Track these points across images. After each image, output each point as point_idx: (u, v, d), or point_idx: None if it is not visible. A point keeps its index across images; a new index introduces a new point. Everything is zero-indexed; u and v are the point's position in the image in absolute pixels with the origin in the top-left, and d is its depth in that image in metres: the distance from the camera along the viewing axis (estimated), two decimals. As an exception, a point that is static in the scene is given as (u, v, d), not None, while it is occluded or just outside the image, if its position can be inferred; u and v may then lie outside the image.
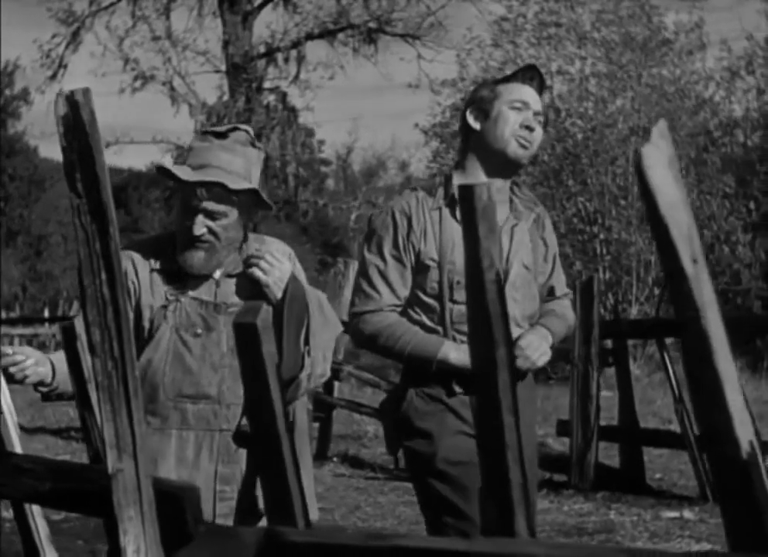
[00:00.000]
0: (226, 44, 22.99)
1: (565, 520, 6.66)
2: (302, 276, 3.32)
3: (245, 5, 23.24)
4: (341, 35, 22.80)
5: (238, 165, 3.14)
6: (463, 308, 3.21)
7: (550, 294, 3.55)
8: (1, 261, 36.59)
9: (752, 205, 14.61)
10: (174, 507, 2.09)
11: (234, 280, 3.21)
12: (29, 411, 12.47)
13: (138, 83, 23.26)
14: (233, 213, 3.13)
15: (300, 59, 22.98)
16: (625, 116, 14.55)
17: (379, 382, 8.82)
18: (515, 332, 3.27)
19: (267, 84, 23.32)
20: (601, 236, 14.39)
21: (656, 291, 14.42)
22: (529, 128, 3.34)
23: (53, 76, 24.16)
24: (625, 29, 15.75)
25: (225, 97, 22.99)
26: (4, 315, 23.95)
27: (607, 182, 14.22)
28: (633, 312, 14.18)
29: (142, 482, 2.04)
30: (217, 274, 3.20)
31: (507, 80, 3.45)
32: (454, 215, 3.29)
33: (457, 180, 3.36)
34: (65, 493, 2.27)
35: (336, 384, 9.55)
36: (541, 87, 3.46)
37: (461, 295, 3.23)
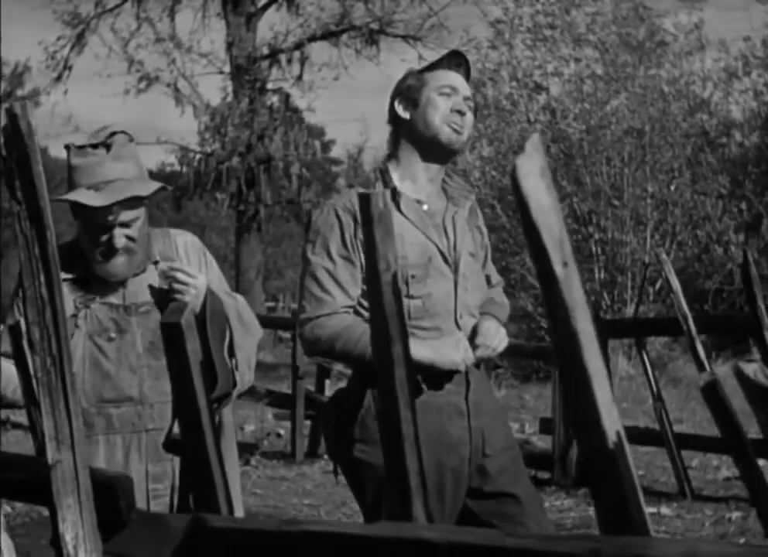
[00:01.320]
0: (230, 45, 23.16)
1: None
2: (214, 265, 3.37)
3: (248, 6, 23.40)
4: (343, 37, 22.97)
5: (134, 168, 3.17)
6: (419, 302, 3.25)
7: (486, 282, 3.54)
8: (4, 262, 36.76)
9: (743, 205, 14.71)
10: (109, 496, 2.21)
11: (140, 279, 3.23)
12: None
13: (142, 85, 23.45)
14: (143, 214, 3.19)
15: (303, 61, 23.17)
16: (618, 117, 14.66)
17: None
18: (470, 322, 3.33)
19: (270, 85, 23.50)
20: (596, 236, 14.51)
21: (651, 290, 14.54)
22: (460, 113, 3.32)
23: (58, 78, 24.36)
24: (621, 30, 15.87)
25: (229, 98, 23.16)
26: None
27: (600, 183, 14.33)
28: (629, 311, 14.28)
29: (79, 472, 2.16)
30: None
31: (433, 67, 3.43)
32: (398, 208, 3.27)
33: (394, 171, 3.36)
34: (11, 483, 2.40)
35: (327, 382, 9.66)
36: (468, 73, 3.43)
37: (416, 289, 3.24)
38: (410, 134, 3.36)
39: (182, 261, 3.29)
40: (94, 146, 3.14)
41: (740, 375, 2.62)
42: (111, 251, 3.14)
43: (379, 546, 1.80)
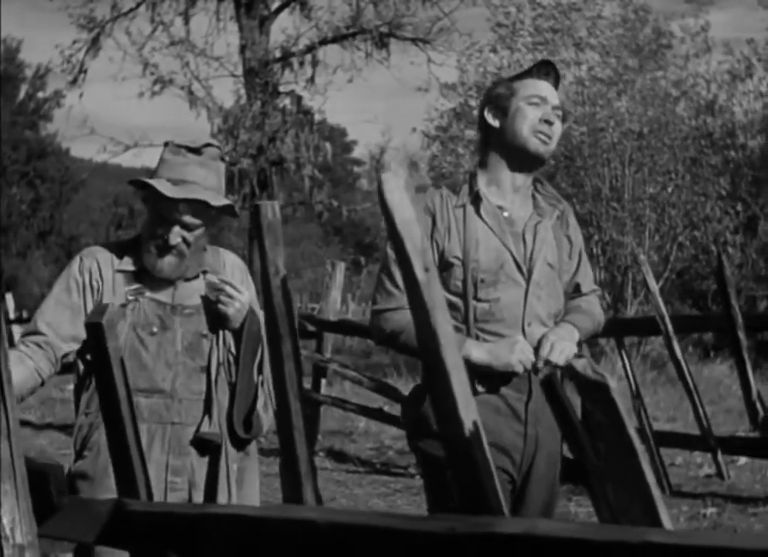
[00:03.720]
0: (243, 49, 23.36)
1: (525, 511, 6.92)
2: (253, 287, 3.50)
3: (261, 10, 23.60)
4: (353, 40, 23.13)
5: (214, 180, 3.33)
6: (486, 306, 3.29)
7: (575, 291, 3.53)
8: (27, 261, 37.10)
9: (739, 207, 14.81)
10: (42, 483, 2.40)
11: (190, 284, 3.38)
12: (40, 409, 12.79)
13: (157, 88, 23.67)
14: (205, 226, 3.33)
15: (315, 63, 23.36)
16: (618, 120, 14.78)
17: (362, 379, 9.11)
18: (540, 331, 3.31)
19: (283, 88, 23.69)
20: (596, 237, 14.64)
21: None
22: (548, 122, 3.34)
23: (74, 81, 24.61)
24: (623, 33, 16.00)
25: (242, 101, 23.36)
26: (26, 314, 24.38)
27: (599, 185, 14.47)
28: (631, 312, 14.41)
29: (15, 460, 2.34)
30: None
31: (522, 76, 3.46)
32: (478, 213, 3.32)
33: (482, 178, 3.39)
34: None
35: (323, 381, 9.84)
36: (557, 81, 3.45)
37: (485, 293, 3.28)
38: (499, 142, 3.39)
39: (227, 277, 3.42)
40: (189, 149, 3.31)
41: (571, 370, 2.78)
42: (164, 246, 3.29)
43: (270, 525, 1.98)
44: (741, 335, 6.78)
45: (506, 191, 3.40)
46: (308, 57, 23.45)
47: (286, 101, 23.70)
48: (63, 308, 3.36)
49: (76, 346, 3.36)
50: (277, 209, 2.03)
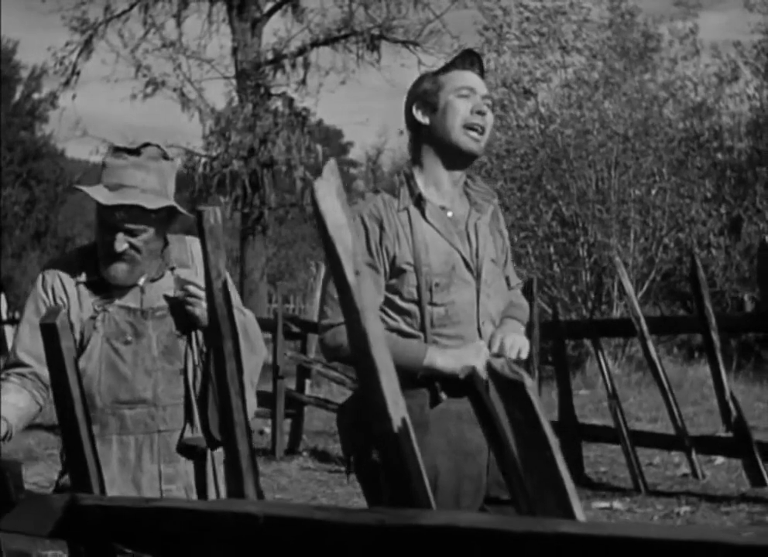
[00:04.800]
0: (235, 51, 23.44)
1: (502, 510, 7.01)
2: (229, 280, 3.55)
3: (253, 12, 23.68)
4: (345, 42, 23.22)
5: (153, 182, 3.23)
6: (442, 310, 3.22)
7: (506, 285, 3.49)
8: (23, 263, 37.10)
9: (723, 209, 14.91)
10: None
11: (158, 284, 3.32)
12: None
13: (149, 90, 23.72)
14: (151, 228, 3.26)
15: (306, 66, 23.43)
16: (603, 123, 14.87)
17: (345, 380, 9.20)
18: (491, 329, 3.29)
19: (274, 90, 23.77)
20: (581, 239, 14.74)
21: (639, 292, 14.76)
22: (480, 113, 3.26)
23: (66, 83, 24.67)
24: (609, 36, 16.11)
25: (234, 103, 23.44)
26: (20, 315, 24.43)
27: (585, 187, 14.57)
28: (617, 313, 14.51)
29: (-26, 457, 2.44)
30: (141, 281, 3.31)
31: (447, 69, 3.36)
32: (423, 215, 3.24)
33: (419, 178, 3.30)
34: None
35: (307, 382, 9.93)
36: (482, 72, 3.37)
37: (440, 297, 3.21)
38: (431, 139, 3.30)
39: (196, 269, 3.36)
40: (128, 151, 3.24)
41: (490, 369, 2.85)
42: (111, 254, 3.24)
43: (212, 518, 2.06)
44: (714, 336, 6.87)
45: (446, 190, 3.32)
46: (300, 59, 23.51)
47: (278, 103, 23.78)
48: (38, 332, 3.28)
49: None
50: (219, 214, 2.11)
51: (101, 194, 3.20)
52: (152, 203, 3.21)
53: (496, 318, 3.34)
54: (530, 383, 1.80)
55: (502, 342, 3.22)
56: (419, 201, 3.25)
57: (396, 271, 3.21)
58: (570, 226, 14.84)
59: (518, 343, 3.24)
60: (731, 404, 6.82)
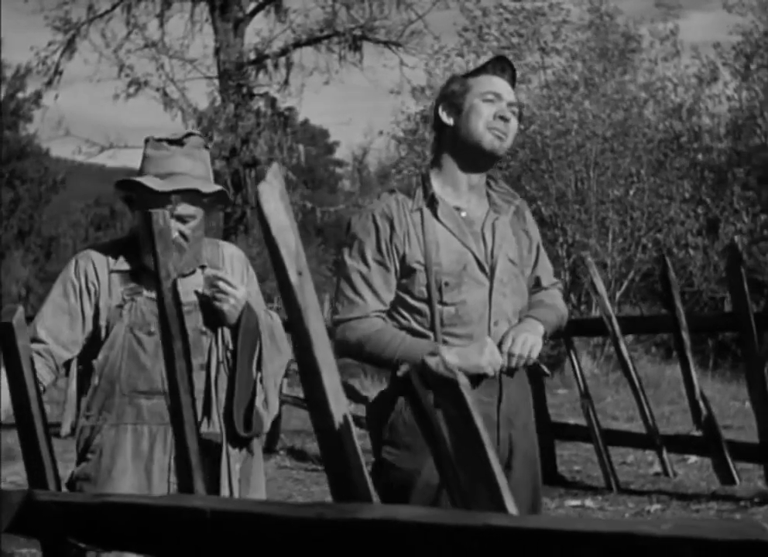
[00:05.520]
0: (217, 51, 23.45)
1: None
2: (254, 280, 3.47)
3: (236, 12, 23.70)
4: (328, 42, 23.26)
5: (201, 169, 3.32)
6: (453, 310, 3.22)
7: (536, 285, 3.49)
8: (6, 262, 37.03)
9: (700, 209, 15.02)
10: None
11: (188, 280, 3.32)
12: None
13: (132, 89, 23.72)
14: (200, 214, 3.33)
15: (289, 66, 23.47)
16: (582, 124, 14.96)
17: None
18: (506, 328, 3.28)
19: (257, 90, 23.79)
20: (560, 239, 14.83)
21: (618, 292, 14.88)
22: (504, 119, 3.27)
23: (49, 83, 24.64)
24: (589, 38, 16.21)
25: (217, 103, 23.44)
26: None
27: (564, 188, 14.66)
28: (597, 312, 14.58)
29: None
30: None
31: (477, 72, 3.39)
32: (435, 215, 3.26)
33: (435, 178, 3.34)
34: None
35: (285, 381, 9.96)
36: (513, 78, 3.38)
37: (450, 296, 3.22)
38: (453, 140, 3.32)
39: (226, 271, 3.40)
40: (170, 142, 3.29)
41: (424, 367, 2.91)
42: None
43: (162, 513, 2.12)
44: (685, 336, 6.94)
45: (462, 191, 3.34)
46: (282, 59, 23.55)
47: (261, 103, 23.80)
48: (62, 313, 3.34)
49: (77, 351, 3.36)
50: (168, 217, 2.17)
51: (153, 182, 3.23)
52: (207, 187, 3.28)
53: (513, 317, 3.33)
54: (464, 381, 1.85)
55: (513, 340, 3.23)
56: (432, 201, 3.27)
57: (406, 270, 3.24)
58: (549, 226, 14.94)
59: (530, 342, 3.24)
60: (701, 404, 6.89)
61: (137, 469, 3.25)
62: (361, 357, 3.28)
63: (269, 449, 9.59)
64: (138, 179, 3.27)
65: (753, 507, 6.53)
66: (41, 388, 3.23)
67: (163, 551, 2.14)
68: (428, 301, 3.21)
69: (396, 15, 22.52)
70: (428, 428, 1.90)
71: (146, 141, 3.33)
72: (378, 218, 3.25)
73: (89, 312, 3.31)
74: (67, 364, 3.41)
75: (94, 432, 3.30)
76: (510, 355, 3.20)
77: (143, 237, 3.27)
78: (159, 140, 3.31)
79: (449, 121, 3.33)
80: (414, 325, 3.22)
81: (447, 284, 3.21)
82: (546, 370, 3.54)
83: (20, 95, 41.98)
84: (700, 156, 16.62)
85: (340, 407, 1.98)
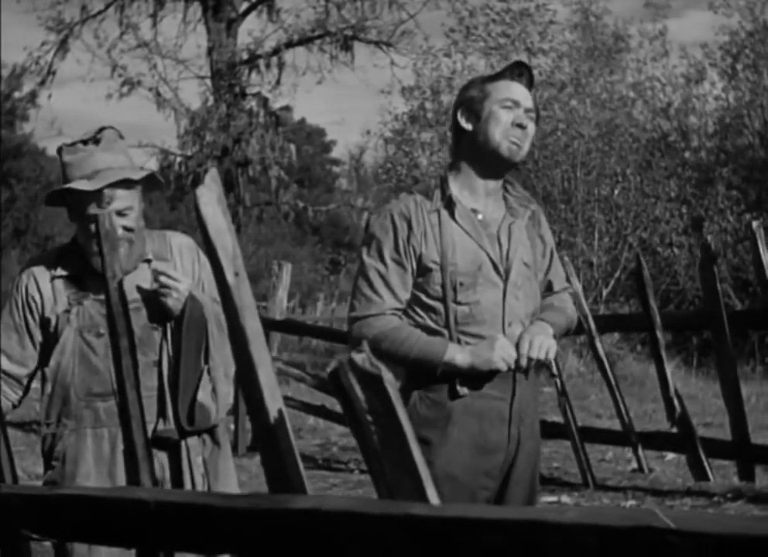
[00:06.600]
0: (210, 51, 23.53)
1: (454, 504, 7.15)
2: (207, 267, 3.34)
3: (228, 12, 23.78)
4: (319, 42, 23.33)
5: (123, 159, 3.29)
6: (467, 309, 3.28)
7: (548, 289, 3.53)
8: (2, 261, 37.05)
9: (683, 209, 15.09)
10: None
11: (133, 276, 3.27)
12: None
13: (125, 89, 23.80)
14: (136, 204, 3.27)
15: (281, 66, 23.54)
16: (568, 123, 15.03)
17: (304, 377, 9.33)
18: (519, 330, 3.32)
19: (249, 90, 23.87)
20: (546, 238, 14.87)
21: (604, 291, 14.96)
22: (521, 126, 3.30)
23: (42, 83, 24.73)
24: (576, 38, 16.31)
25: (209, 103, 23.51)
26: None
27: (550, 187, 14.73)
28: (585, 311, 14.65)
29: None
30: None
31: (496, 78, 3.40)
32: (452, 217, 3.31)
33: (454, 182, 3.38)
34: None
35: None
36: (531, 83, 3.39)
37: (464, 296, 3.27)
38: (473, 145, 3.35)
39: (175, 262, 3.38)
40: (84, 142, 3.26)
41: (351, 364, 2.98)
42: None
43: (110, 504, 2.20)
44: (659, 334, 7.03)
45: (479, 195, 3.37)
46: (274, 59, 23.62)
47: (253, 103, 23.88)
48: (11, 331, 3.36)
49: (33, 365, 3.36)
50: (114, 219, 2.26)
51: (81, 184, 3.20)
52: (136, 174, 3.26)
53: (525, 320, 3.37)
54: (388, 376, 1.94)
55: (530, 343, 3.27)
56: (449, 203, 3.32)
57: (422, 270, 3.29)
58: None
59: (545, 345, 3.27)
60: (675, 401, 6.98)
61: (100, 473, 3.24)
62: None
63: (254, 448, 9.67)
64: (66, 186, 3.25)
65: (726, 503, 6.61)
66: (9, 405, 3.37)
67: (111, 540, 2.23)
68: (443, 300, 3.28)
69: (387, 15, 22.66)
70: (355, 422, 1.99)
71: (59, 150, 3.32)
72: (396, 218, 3.30)
73: (34, 326, 3.33)
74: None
75: (56, 440, 3.32)
76: (529, 359, 3.25)
77: (84, 241, 3.28)
78: (73, 144, 3.29)
79: (468, 126, 3.37)
80: (429, 323, 3.29)
81: (461, 284, 3.27)
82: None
83: (16, 95, 41.92)
84: (687, 155, 16.71)
85: (275, 403, 2.06)
